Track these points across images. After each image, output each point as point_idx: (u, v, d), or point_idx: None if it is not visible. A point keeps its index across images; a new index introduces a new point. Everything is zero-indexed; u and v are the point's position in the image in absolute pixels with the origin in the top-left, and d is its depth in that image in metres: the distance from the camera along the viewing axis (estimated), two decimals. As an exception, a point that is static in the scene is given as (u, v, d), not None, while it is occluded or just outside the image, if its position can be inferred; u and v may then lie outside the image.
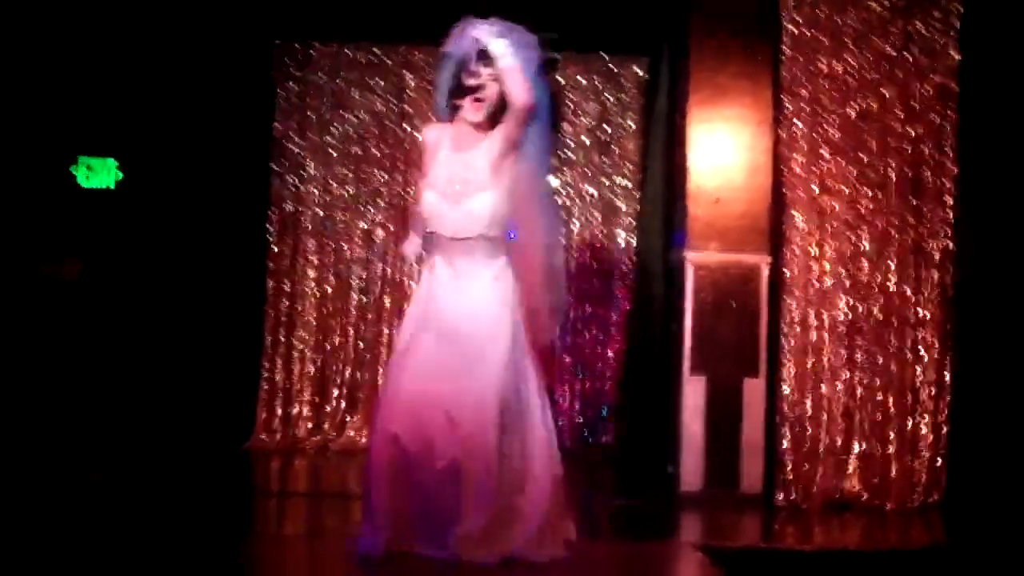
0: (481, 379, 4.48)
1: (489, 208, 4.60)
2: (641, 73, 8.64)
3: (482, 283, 4.62)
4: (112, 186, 8.61)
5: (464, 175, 4.63)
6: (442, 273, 4.64)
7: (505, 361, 4.53)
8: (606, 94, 8.68)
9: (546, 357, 5.23)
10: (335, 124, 8.60)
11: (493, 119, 4.65)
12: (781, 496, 6.75)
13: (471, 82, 4.60)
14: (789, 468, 6.77)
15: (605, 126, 8.66)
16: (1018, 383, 6.99)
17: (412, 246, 4.82)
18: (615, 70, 8.66)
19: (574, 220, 8.65)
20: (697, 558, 5.40)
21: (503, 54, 4.53)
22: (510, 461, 4.49)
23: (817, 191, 6.85)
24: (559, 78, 8.52)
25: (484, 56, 4.56)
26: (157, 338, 8.40)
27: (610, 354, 8.57)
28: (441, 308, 4.59)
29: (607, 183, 8.67)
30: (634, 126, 8.62)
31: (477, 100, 4.61)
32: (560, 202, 8.61)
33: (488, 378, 4.49)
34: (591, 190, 8.67)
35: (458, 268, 4.62)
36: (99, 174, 8.63)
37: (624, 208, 8.64)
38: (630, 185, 8.62)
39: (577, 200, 8.65)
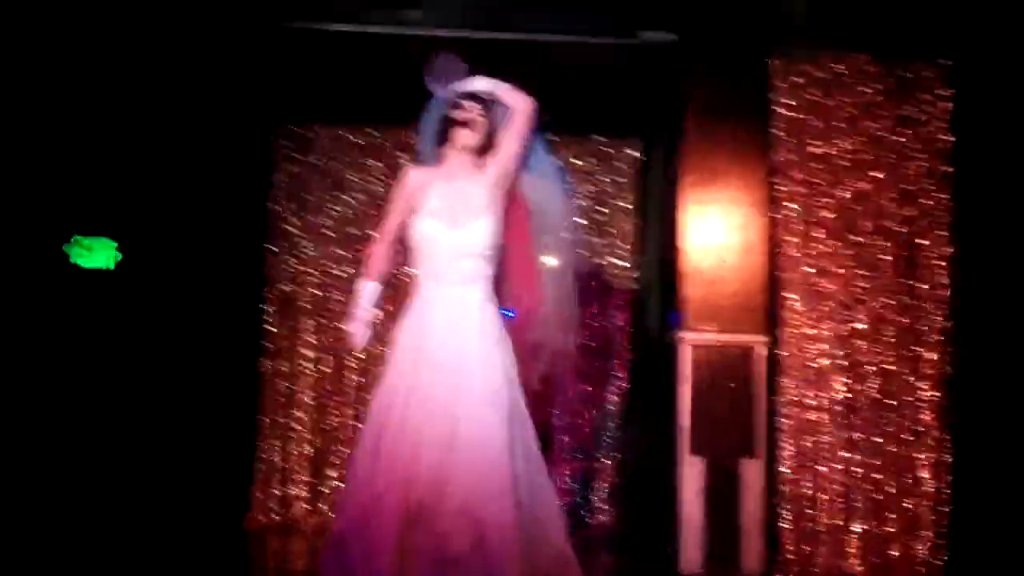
0: (489, 420, 4.40)
1: (487, 231, 4.62)
2: (635, 154, 8.70)
3: (474, 312, 4.58)
4: (112, 267, 8.61)
5: (461, 202, 4.65)
6: (435, 303, 4.60)
7: (506, 397, 4.48)
8: (600, 175, 8.73)
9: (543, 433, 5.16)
10: (333, 205, 8.65)
11: (482, 153, 4.73)
12: (781, 577, 6.76)
13: (462, 116, 4.69)
14: (789, 549, 6.78)
15: (600, 207, 8.71)
16: (1018, 465, 7.00)
17: (361, 329, 4.74)
18: (609, 151, 8.71)
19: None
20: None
21: (488, 85, 4.74)
22: (526, 521, 4.36)
23: (812, 272, 6.92)
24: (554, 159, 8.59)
25: (469, 97, 4.70)
26: (154, 417, 8.37)
27: (608, 435, 8.56)
28: (439, 341, 4.51)
29: (603, 263, 8.70)
30: (629, 206, 8.66)
31: (470, 127, 4.69)
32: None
33: (496, 419, 4.41)
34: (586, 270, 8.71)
35: (450, 296, 4.60)
36: (97, 254, 8.64)
37: (618, 287, 8.67)
38: (627, 265, 8.66)
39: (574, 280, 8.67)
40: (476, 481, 4.32)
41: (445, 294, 4.61)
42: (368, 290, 4.80)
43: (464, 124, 4.69)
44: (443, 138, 4.75)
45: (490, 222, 4.63)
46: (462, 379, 4.46)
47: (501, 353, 4.56)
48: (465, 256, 4.62)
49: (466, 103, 4.70)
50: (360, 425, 8.33)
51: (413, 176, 4.77)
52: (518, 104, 4.72)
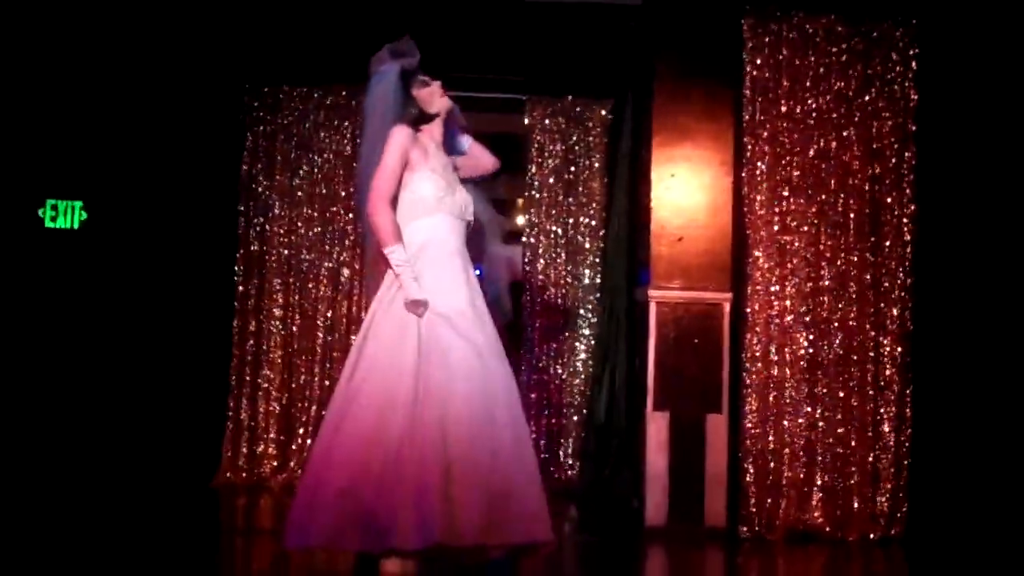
0: (501, 357, 4.81)
1: (471, 197, 5.02)
2: (605, 114, 8.73)
3: (469, 262, 4.96)
4: (76, 226, 8.60)
5: (450, 170, 5.02)
6: (449, 254, 4.89)
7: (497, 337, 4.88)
8: (572, 135, 8.76)
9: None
10: (302, 165, 8.66)
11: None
12: (745, 529, 6.82)
13: (435, 88, 5.06)
14: (752, 502, 6.85)
15: (571, 167, 8.75)
16: (977, 416, 7.11)
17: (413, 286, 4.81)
18: (580, 112, 8.73)
19: (540, 259, 8.72)
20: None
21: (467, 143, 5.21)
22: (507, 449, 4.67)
23: (778, 229, 6.97)
24: (525, 120, 8.64)
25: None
26: (123, 377, 8.38)
27: (575, 391, 8.62)
28: (457, 290, 4.83)
29: (572, 222, 8.74)
30: (599, 166, 8.69)
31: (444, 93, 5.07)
32: (526, 241, 8.72)
33: (502, 357, 4.82)
34: (556, 229, 8.75)
35: (459, 247, 4.93)
36: (64, 215, 8.63)
37: (589, 247, 8.71)
38: (595, 223, 8.70)
39: (542, 239, 8.72)
40: (509, 422, 4.71)
41: (452, 245, 4.90)
42: (405, 258, 4.84)
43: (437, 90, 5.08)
44: (408, 106, 5.02)
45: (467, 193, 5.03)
46: (482, 334, 4.79)
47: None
48: (462, 216, 4.96)
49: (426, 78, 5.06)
50: (328, 383, 8.40)
51: (410, 135, 4.95)
52: (490, 164, 5.33)
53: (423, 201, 4.87)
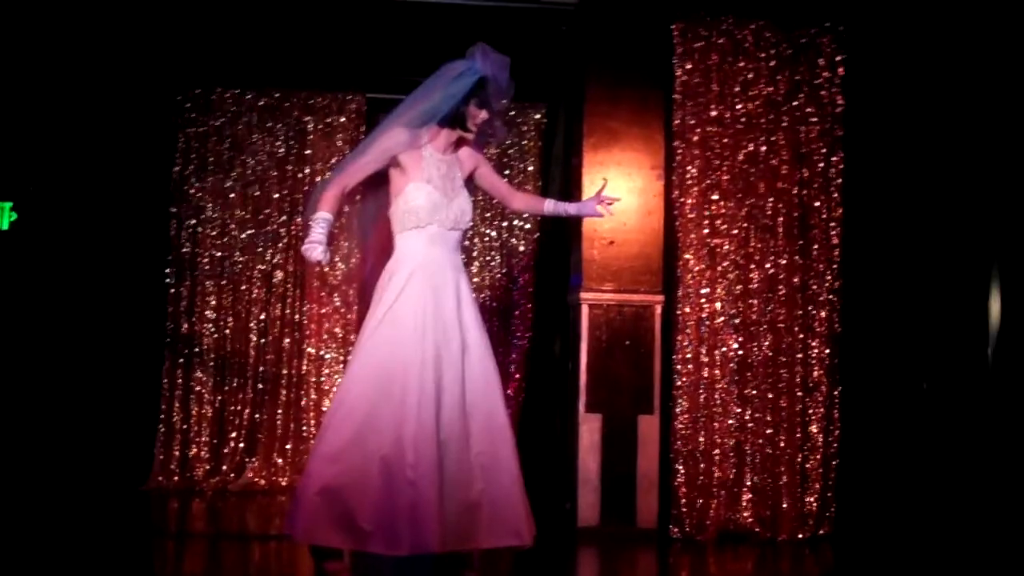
0: (486, 368, 4.94)
1: (470, 207, 5.08)
2: (540, 118, 8.78)
3: (462, 276, 5.04)
4: (6, 227, 8.50)
5: (450, 178, 5.02)
6: (440, 267, 4.93)
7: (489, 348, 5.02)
8: (506, 139, 8.74)
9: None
10: (235, 167, 8.62)
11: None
12: (676, 530, 6.89)
13: (482, 114, 5.04)
14: (683, 502, 6.91)
15: (505, 170, 8.76)
16: (903, 416, 7.24)
17: (319, 249, 4.84)
18: (514, 116, 8.75)
19: (474, 262, 8.73)
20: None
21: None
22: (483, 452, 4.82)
23: (708, 232, 7.03)
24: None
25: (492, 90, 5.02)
26: (54, 380, 8.31)
27: (509, 393, 8.65)
28: (446, 302, 4.90)
29: (506, 225, 8.77)
30: (532, 169, 8.73)
31: (481, 125, 5.07)
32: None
33: (489, 367, 4.95)
34: (490, 232, 8.77)
35: (451, 260, 4.97)
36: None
37: (523, 249, 8.75)
38: (528, 227, 8.73)
39: (477, 242, 8.74)
40: (487, 427, 4.84)
41: (443, 258, 4.95)
42: (326, 219, 4.89)
43: (478, 121, 5.03)
44: (457, 111, 4.98)
45: (469, 201, 5.09)
46: (468, 336, 4.91)
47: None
48: (455, 227, 5.00)
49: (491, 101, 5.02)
50: (261, 386, 8.39)
51: (404, 135, 4.97)
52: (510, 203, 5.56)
53: (415, 212, 4.91)
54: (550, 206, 5.33)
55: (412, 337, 4.78)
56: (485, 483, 4.75)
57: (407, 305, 4.84)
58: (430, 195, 4.90)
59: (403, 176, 4.94)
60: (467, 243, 8.73)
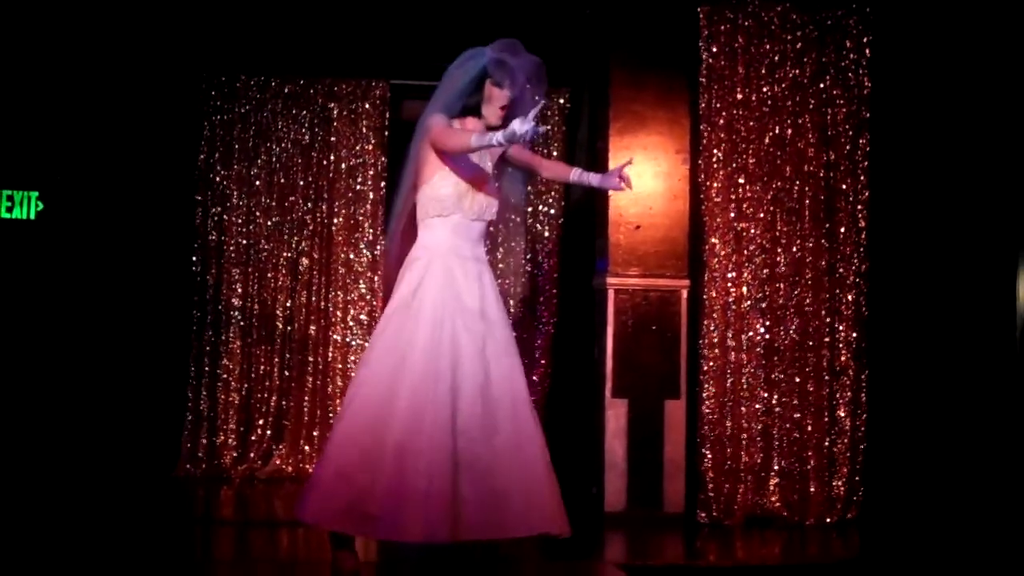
0: (511, 359, 4.86)
1: (497, 195, 5.00)
2: (563, 103, 8.75)
3: (486, 267, 4.99)
4: (32, 217, 8.54)
5: (481, 164, 4.96)
6: (462, 257, 4.89)
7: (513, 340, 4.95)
8: (528, 123, 8.75)
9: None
10: (260, 155, 8.63)
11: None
12: (703, 514, 6.88)
13: (502, 95, 4.89)
14: (710, 487, 6.90)
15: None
16: (931, 400, 7.20)
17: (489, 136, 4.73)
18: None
19: (499, 248, 8.72)
20: (621, 577, 5.51)
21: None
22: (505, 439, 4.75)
23: (734, 216, 7.01)
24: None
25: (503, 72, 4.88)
26: (82, 368, 8.35)
27: (534, 379, 8.65)
28: (468, 292, 4.86)
29: (530, 210, 8.75)
30: (557, 155, 8.70)
31: (502, 109, 4.90)
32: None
33: (514, 359, 4.88)
34: (514, 218, 8.75)
35: (473, 251, 4.93)
36: (20, 205, 8.57)
37: (547, 235, 8.74)
38: (553, 212, 8.72)
39: (501, 227, 8.73)
40: (512, 417, 4.77)
41: (465, 249, 4.90)
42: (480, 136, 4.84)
43: (502, 99, 4.90)
44: (474, 99, 4.92)
45: (496, 189, 5.02)
46: (490, 327, 4.85)
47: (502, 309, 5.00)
48: (479, 218, 4.93)
49: (504, 82, 4.88)
50: (288, 373, 8.42)
51: (444, 121, 4.90)
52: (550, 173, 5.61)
53: (441, 200, 4.87)
54: (575, 174, 5.24)
55: (429, 325, 4.75)
56: (512, 472, 4.72)
57: (426, 293, 4.81)
58: (457, 185, 4.87)
59: (434, 163, 4.91)
60: (491, 229, 8.72)
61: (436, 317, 4.77)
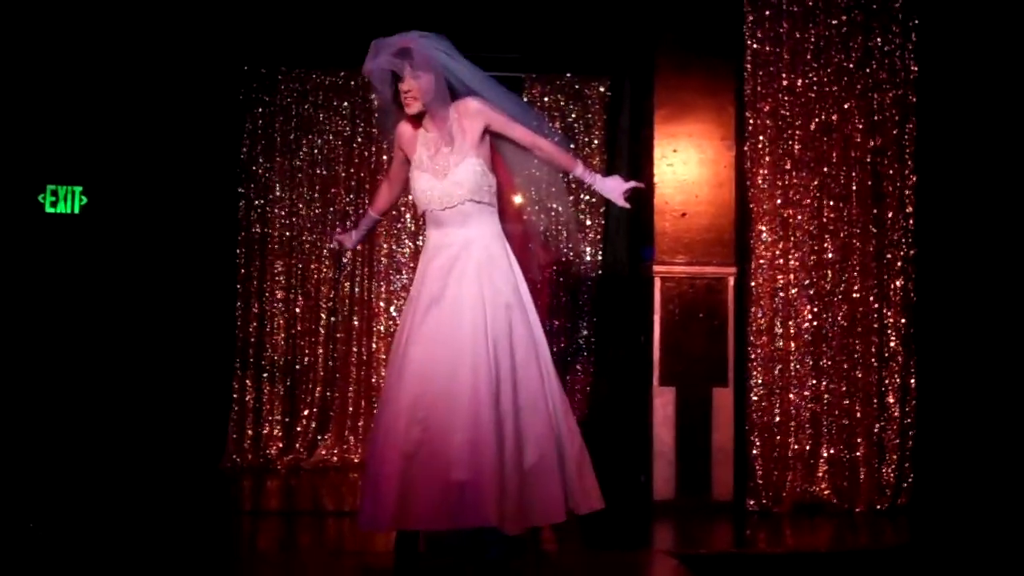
0: (471, 343, 4.68)
1: (471, 175, 4.83)
2: (604, 91, 8.73)
3: (474, 252, 4.84)
4: (77, 211, 8.58)
5: (440, 155, 4.87)
6: (433, 245, 4.89)
7: (499, 321, 4.77)
8: (571, 113, 8.76)
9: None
10: (302, 147, 8.66)
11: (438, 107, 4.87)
12: (752, 502, 6.86)
13: (402, 87, 4.80)
14: (759, 474, 6.88)
15: (570, 144, 8.71)
16: (980, 386, 7.15)
17: (347, 238, 5.41)
18: (579, 89, 8.73)
19: (542, 236, 8.69)
20: (671, 565, 5.51)
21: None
22: (510, 422, 4.66)
23: (780, 203, 6.98)
24: (524, 98, 8.62)
25: (403, 57, 4.76)
26: (127, 361, 8.39)
27: (578, 367, 8.65)
28: (432, 278, 4.81)
29: (572, 199, 8.73)
30: (598, 143, 8.69)
31: (408, 98, 4.80)
32: (526, 219, 8.70)
33: (478, 341, 4.68)
34: (556, 207, 8.73)
35: (450, 237, 4.85)
36: (64, 200, 8.62)
37: (590, 223, 8.72)
38: (595, 201, 8.70)
39: (543, 217, 8.70)
40: (470, 413, 4.61)
41: (448, 237, 4.87)
42: (367, 217, 5.45)
43: (405, 98, 4.83)
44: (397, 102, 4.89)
45: (474, 163, 4.83)
46: (457, 317, 4.74)
47: (497, 288, 4.82)
48: (456, 202, 4.84)
49: (403, 84, 4.79)
50: (332, 364, 8.47)
51: (401, 128, 4.99)
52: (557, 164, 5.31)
53: (416, 198, 4.95)
54: (579, 170, 5.20)
55: (416, 320, 4.78)
56: (534, 458, 4.70)
57: (415, 288, 4.90)
58: (419, 179, 4.89)
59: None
60: (534, 219, 8.70)
61: (419, 313, 4.82)
